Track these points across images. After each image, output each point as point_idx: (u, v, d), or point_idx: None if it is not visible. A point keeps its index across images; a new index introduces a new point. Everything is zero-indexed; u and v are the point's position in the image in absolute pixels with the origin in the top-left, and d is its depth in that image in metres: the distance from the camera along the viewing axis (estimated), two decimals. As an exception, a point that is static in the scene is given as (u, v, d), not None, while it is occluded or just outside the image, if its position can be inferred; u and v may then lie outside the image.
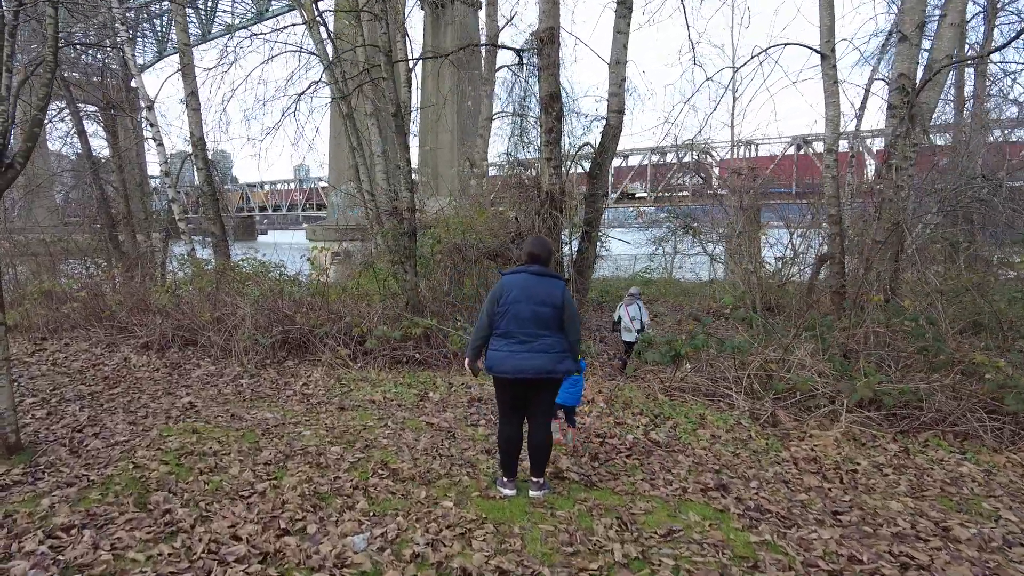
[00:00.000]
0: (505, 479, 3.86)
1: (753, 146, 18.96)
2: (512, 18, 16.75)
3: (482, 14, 27.99)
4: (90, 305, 9.69)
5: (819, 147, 18.45)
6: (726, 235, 11.55)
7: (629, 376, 7.57)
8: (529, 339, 3.60)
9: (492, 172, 21.91)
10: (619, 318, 8.08)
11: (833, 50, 7.50)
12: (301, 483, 3.70)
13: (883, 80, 13.35)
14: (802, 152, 19.17)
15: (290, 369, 7.21)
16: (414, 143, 15.66)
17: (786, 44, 7.12)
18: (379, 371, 7.19)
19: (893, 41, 9.52)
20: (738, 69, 7.14)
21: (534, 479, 3.80)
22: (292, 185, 43.58)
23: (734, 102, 21.95)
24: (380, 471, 3.96)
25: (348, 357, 7.29)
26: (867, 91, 12.02)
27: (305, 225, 44.11)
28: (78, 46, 13.94)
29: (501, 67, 17.45)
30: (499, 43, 11.79)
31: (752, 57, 6.97)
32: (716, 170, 20.80)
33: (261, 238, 49.82)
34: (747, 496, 3.80)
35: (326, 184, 36.86)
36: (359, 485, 3.71)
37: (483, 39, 20.08)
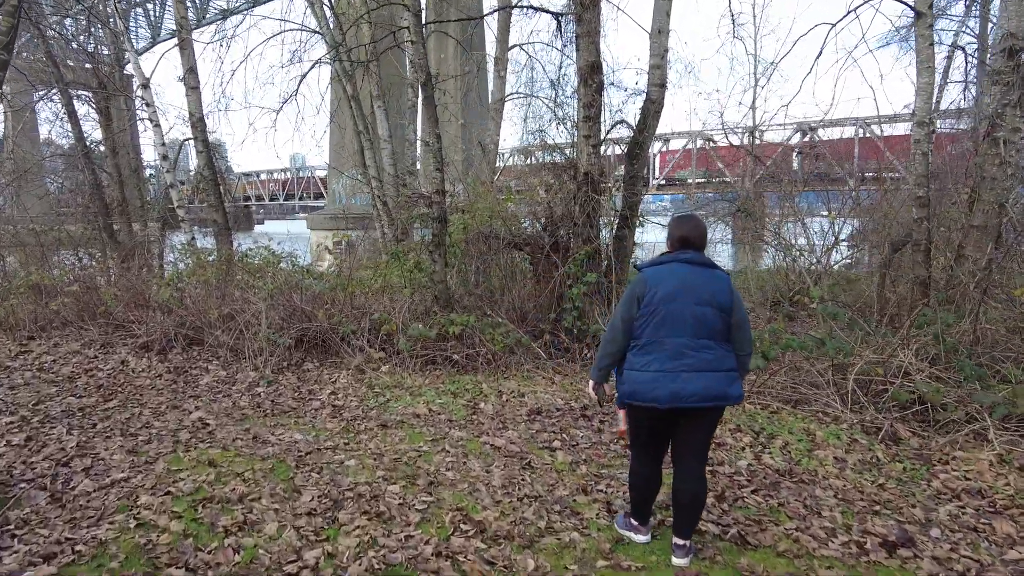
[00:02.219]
0: (635, 522, 3.01)
1: (810, 130, 18.04)
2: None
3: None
4: (83, 300, 8.74)
5: (876, 130, 17.53)
6: (777, 222, 10.61)
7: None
8: (691, 352, 2.64)
9: (508, 156, 20.98)
10: None
11: (931, 6, 6.55)
12: (364, 548, 2.78)
13: (960, 48, 12.38)
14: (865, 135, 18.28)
15: (312, 374, 6.29)
16: (410, 131, 14.72)
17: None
18: (412, 375, 6.27)
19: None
20: (835, 26, 6.18)
21: (679, 541, 2.87)
22: (288, 174, 42.57)
23: (756, 82, 20.93)
24: (462, 525, 3.03)
25: (381, 360, 6.36)
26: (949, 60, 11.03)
27: (302, 214, 43.14)
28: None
29: (514, 46, 16.46)
30: (537, 6, 10.77)
31: (848, 13, 6.01)
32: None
33: (258, 227, 48.75)
34: (942, 554, 2.91)
35: (324, 172, 35.82)
36: (441, 550, 2.79)
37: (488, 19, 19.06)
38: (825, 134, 20.41)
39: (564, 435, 4.55)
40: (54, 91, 13.53)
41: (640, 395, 2.68)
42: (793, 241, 10.66)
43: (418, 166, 15.81)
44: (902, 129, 18.42)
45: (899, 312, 7.44)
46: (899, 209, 9.91)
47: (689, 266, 2.74)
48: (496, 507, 3.27)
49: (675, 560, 2.85)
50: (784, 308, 6.90)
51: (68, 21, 16.73)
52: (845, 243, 10.79)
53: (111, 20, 12.76)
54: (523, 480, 3.66)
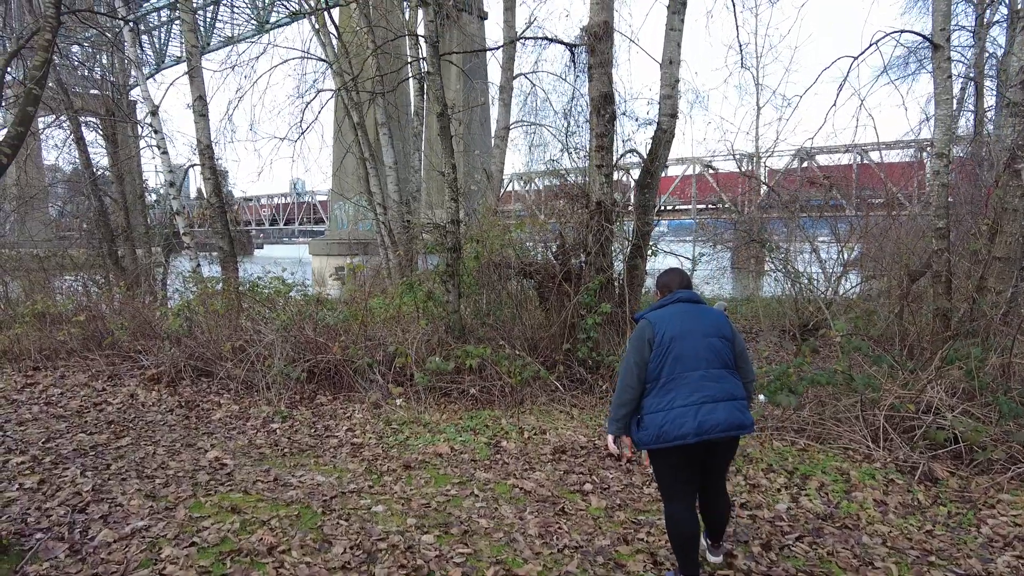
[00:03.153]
0: None
1: (808, 156, 18.13)
2: (531, 23, 15.82)
3: (488, 23, 27.16)
4: (88, 329, 8.61)
5: (875, 157, 17.59)
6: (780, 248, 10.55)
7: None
8: (710, 383, 2.70)
9: (509, 182, 21.04)
10: None
11: (948, 39, 6.56)
12: (405, 608, 2.64)
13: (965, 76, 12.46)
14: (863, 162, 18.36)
15: (326, 408, 6.15)
16: (415, 158, 14.76)
17: (901, 31, 6.18)
18: (429, 409, 6.13)
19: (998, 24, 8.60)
20: (857, 59, 6.18)
21: (713, 544, 3.22)
22: (288, 198, 42.66)
23: (758, 111, 21.13)
24: (504, 581, 2.90)
25: (399, 394, 6.23)
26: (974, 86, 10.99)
27: (302, 239, 43.13)
28: (77, 14, 12.90)
29: (519, 75, 16.59)
30: (550, 37, 10.83)
31: (870, 45, 6.01)
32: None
33: (258, 252, 48.71)
34: (1009, 613, 2.78)
35: (325, 198, 35.88)
36: (487, 610, 2.65)
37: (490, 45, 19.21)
38: (823, 161, 20.57)
39: (594, 477, 4.41)
40: (63, 118, 13.52)
41: (667, 435, 2.68)
42: (800, 268, 10.61)
43: (422, 192, 15.81)
44: (895, 156, 18.56)
45: (920, 344, 7.34)
46: (911, 237, 9.87)
47: (688, 304, 2.91)
48: (537, 559, 3.13)
49: (710, 558, 3.20)
50: (811, 342, 6.79)
51: (75, 48, 16.83)
52: (854, 272, 10.75)
53: (123, 47, 12.81)
54: (560, 528, 3.52)
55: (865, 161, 20.25)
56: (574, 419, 5.90)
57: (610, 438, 2.90)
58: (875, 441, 5.10)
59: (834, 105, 6.44)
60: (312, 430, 5.47)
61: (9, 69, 4.17)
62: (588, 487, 4.21)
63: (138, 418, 5.80)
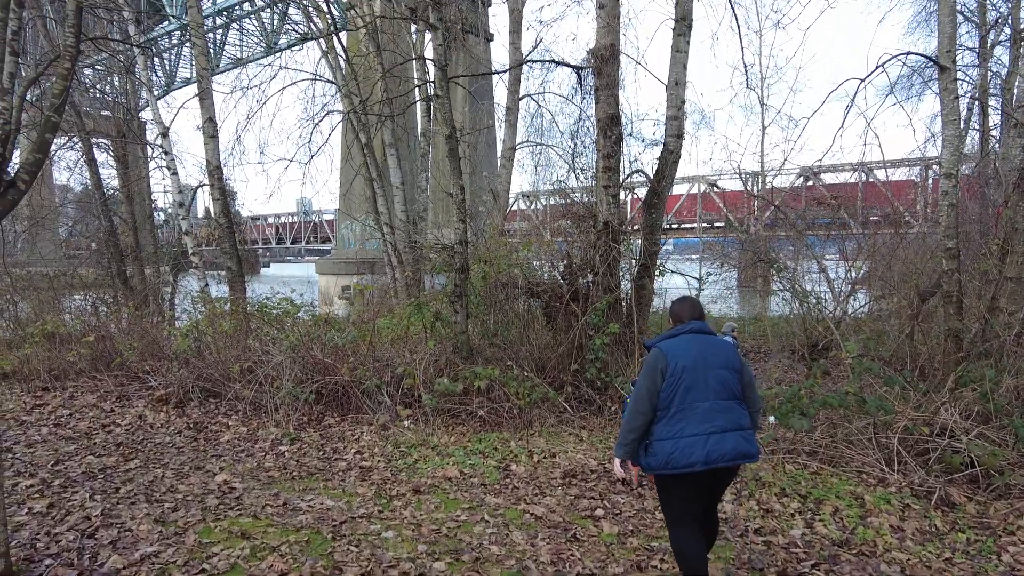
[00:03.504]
0: None
1: (814, 175, 18.19)
2: (537, 45, 16.01)
3: (494, 45, 27.44)
4: (97, 349, 8.64)
5: (881, 175, 17.63)
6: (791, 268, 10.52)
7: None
8: (719, 414, 2.80)
9: (514, 202, 21.12)
10: None
11: (954, 61, 6.60)
12: (419, 639, 2.61)
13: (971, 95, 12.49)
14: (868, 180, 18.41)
15: (334, 430, 6.13)
16: (422, 179, 14.86)
17: (907, 53, 6.21)
18: (437, 431, 6.09)
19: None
20: (864, 81, 6.22)
21: None
22: (295, 218, 42.92)
23: (763, 131, 21.22)
24: (518, 611, 2.86)
25: (408, 416, 6.21)
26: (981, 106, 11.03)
27: (308, 258, 43.30)
28: (94, 40, 13.10)
29: (524, 96, 16.74)
30: (557, 60, 10.94)
31: (877, 67, 6.05)
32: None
33: (264, 271, 48.92)
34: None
35: (332, 217, 36.08)
36: (502, 642, 2.62)
37: (496, 68, 19.41)
38: (828, 179, 20.60)
39: (605, 502, 4.37)
40: (75, 140, 13.68)
41: (675, 462, 2.76)
42: (808, 287, 10.56)
43: (428, 212, 15.89)
44: (901, 174, 18.59)
45: (932, 365, 7.28)
46: (919, 256, 9.83)
47: (700, 335, 2.97)
48: (550, 588, 3.09)
49: None
50: (822, 364, 6.74)
51: (88, 71, 17.09)
52: (863, 291, 10.70)
53: (135, 69, 13.01)
54: (572, 555, 3.48)
55: (871, 179, 20.29)
56: (583, 441, 5.86)
57: (617, 462, 2.97)
58: (889, 464, 5.04)
59: (842, 127, 6.47)
60: (321, 453, 5.44)
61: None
62: (600, 512, 4.17)
63: (147, 440, 5.80)
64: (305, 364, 6.84)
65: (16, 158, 3.50)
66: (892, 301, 9.33)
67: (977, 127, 14.82)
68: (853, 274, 10.38)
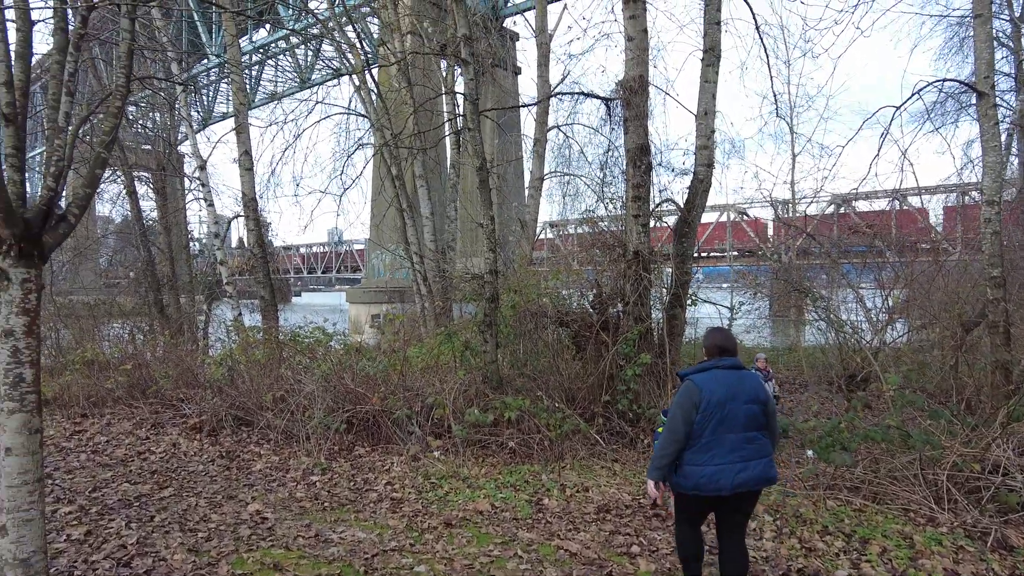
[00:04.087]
0: None
1: (845, 202, 17.94)
2: (565, 78, 16.21)
3: (522, 77, 27.83)
4: (134, 377, 8.81)
5: (915, 202, 17.32)
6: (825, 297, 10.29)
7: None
8: (745, 444, 3.08)
9: (541, 231, 21.19)
10: None
11: (993, 87, 6.48)
12: None
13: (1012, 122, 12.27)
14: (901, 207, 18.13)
15: (365, 460, 6.11)
16: (451, 209, 15.01)
17: (944, 80, 6.13)
18: (468, 463, 6.03)
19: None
20: (900, 109, 6.14)
21: None
22: (326, 247, 43.60)
23: (793, 159, 21.03)
24: (555, 652, 2.78)
25: (438, 447, 6.17)
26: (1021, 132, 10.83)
27: (339, 287, 43.84)
28: (141, 79, 13.62)
29: (552, 127, 16.91)
30: (586, 91, 11.05)
31: (913, 94, 5.97)
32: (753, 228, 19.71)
33: (296, 299, 49.62)
34: None
35: (363, 247, 36.59)
36: None
37: (524, 100, 19.63)
38: (861, 207, 20.28)
39: (641, 538, 4.25)
40: (118, 173, 14.17)
41: (704, 487, 3.05)
42: (843, 316, 10.31)
43: (456, 242, 16.01)
44: (936, 201, 18.19)
45: (979, 398, 7.02)
46: (960, 284, 9.54)
47: (731, 371, 3.18)
48: (587, 629, 3.00)
49: None
50: (862, 396, 6.54)
51: (131, 107, 17.77)
52: (900, 320, 10.40)
53: (176, 106, 13.49)
54: (609, 594, 3.38)
55: (905, 207, 19.92)
56: (616, 475, 5.74)
57: (651, 483, 3.24)
58: (938, 503, 4.84)
59: (877, 155, 6.36)
60: (351, 483, 5.42)
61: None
62: (635, 549, 4.05)
63: (180, 468, 5.85)
64: (336, 393, 6.86)
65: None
66: (933, 331, 9.06)
67: (1016, 153, 14.50)
68: (890, 303, 10.13)
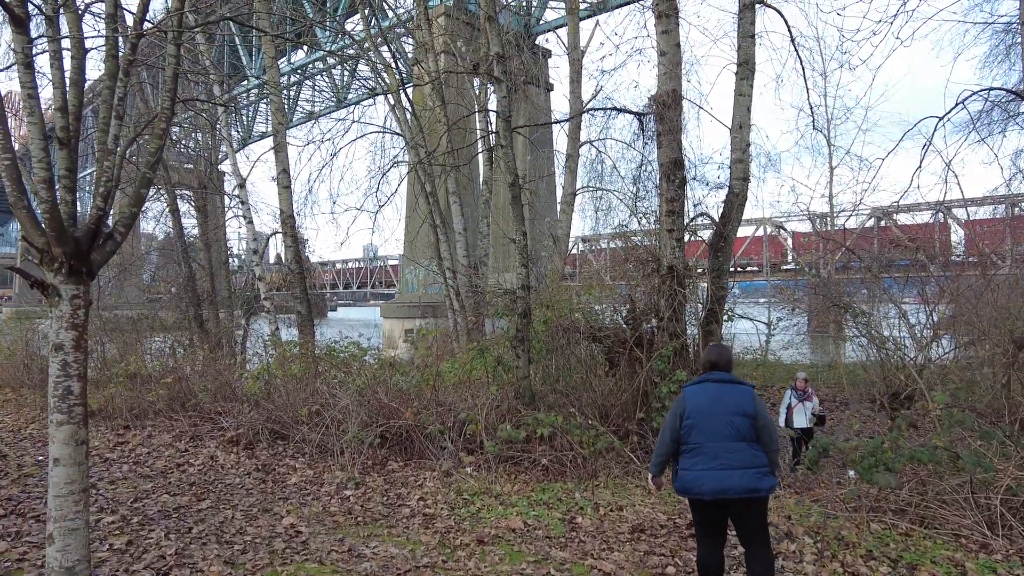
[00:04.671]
0: None
1: (886, 215, 17.53)
2: (597, 93, 16.22)
3: (554, 94, 27.96)
4: (174, 390, 9.02)
5: (960, 214, 16.81)
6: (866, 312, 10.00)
7: (799, 481, 6.24)
8: (727, 454, 3.28)
9: (573, 246, 21.13)
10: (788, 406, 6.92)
11: (1042, 96, 6.29)
12: None
13: None
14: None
15: (398, 475, 6.13)
16: (483, 225, 15.09)
17: (990, 89, 5.96)
18: (500, 479, 6.00)
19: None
20: (943, 119, 5.99)
21: None
22: (361, 263, 44.20)
23: (831, 172, 20.64)
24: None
25: (470, 463, 6.16)
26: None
27: (373, 302, 44.35)
28: (185, 101, 14.08)
29: (584, 143, 16.92)
30: (619, 107, 11.06)
31: (957, 104, 5.83)
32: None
33: (332, 314, 50.41)
34: None
35: (397, 263, 37.00)
36: None
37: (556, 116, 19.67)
38: (903, 220, 19.72)
39: (676, 559, 4.17)
40: (162, 192, 14.64)
41: (689, 489, 3.34)
42: (886, 332, 10.00)
43: (489, 257, 16.09)
44: (984, 212, 17.57)
45: (1033, 418, 6.72)
46: (1013, 300, 9.18)
47: (718, 384, 3.44)
48: (622, 652, 2.94)
49: None
50: (906, 414, 6.32)
51: (175, 128, 18.38)
52: (946, 336, 10.05)
53: (218, 126, 13.91)
54: (644, 616, 3.31)
55: (949, 219, 19.34)
56: (651, 494, 5.64)
57: (650, 476, 3.68)
58: (991, 528, 4.63)
59: (919, 167, 6.21)
60: (384, 498, 5.44)
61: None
62: (671, 571, 3.97)
63: (217, 480, 5.95)
64: (370, 408, 6.91)
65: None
66: (983, 348, 8.71)
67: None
68: (935, 318, 9.79)
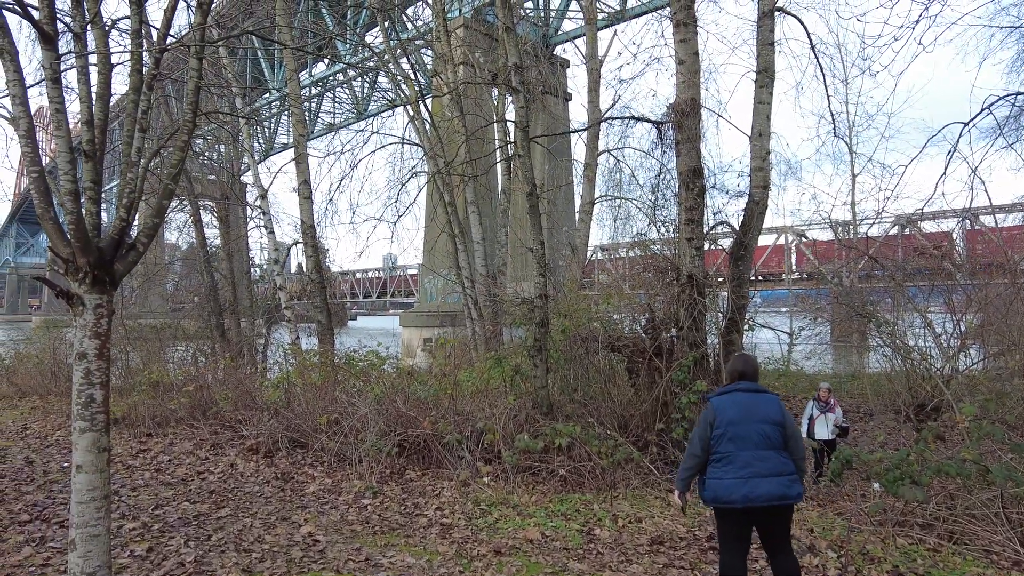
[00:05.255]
0: None
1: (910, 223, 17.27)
2: (615, 102, 16.23)
3: (572, 103, 28.03)
4: (195, 398, 9.13)
5: (988, 221, 16.48)
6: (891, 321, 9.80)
7: (822, 493, 6.13)
8: (757, 462, 3.32)
9: (592, 254, 21.07)
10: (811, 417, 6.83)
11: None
12: None
13: None
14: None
15: (415, 484, 6.13)
16: (501, 234, 15.12)
17: (1017, 94, 5.85)
18: (518, 490, 5.97)
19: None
20: (968, 125, 5.90)
21: None
22: (381, 273, 44.43)
23: (853, 180, 20.41)
24: None
25: (488, 473, 6.14)
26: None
27: (393, 311, 44.52)
28: (207, 114, 14.35)
29: (603, 152, 16.90)
30: (637, 115, 11.05)
31: (983, 109, 5.73)
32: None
33: (352, 324, 50.68)
34: None
35: (416, 272, 37.18)
36: None
37: (574, 125, 19.66)
38: (928, 227, 19.36)
39: (696, 572, 4.11)
40: (185, 202, 14.88)
41: (720, 498, 3.34)
42: (911, 342, 9.79)
43: (507, 267, 16.10)
44: (1012, 220, 17.17)
45: (1065, 432, 6.55)
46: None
47: (746, 393, 3.48)
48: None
49: None
50: (933, 426, 6.18)
51: (198, 140, 18.71)
52: (974, 346, 9.82)
53: (240, 138, 14.14)
54: (663, 630, 3.26)
55: (976, 227, 18.94)
56: (671, 506, 5.57)
57: (676, 492, 3.65)
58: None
59: (944, 174, 6.10)
60: (402, 507, 5.44)
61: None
62: (691, 583, 3.91)
63: (237, 488, 5.99)
64: (388, 416, 6.93)
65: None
66: (1013, 358, 8.51)
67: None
68: (963, 327, 9.57)
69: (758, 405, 3.43)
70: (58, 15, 3.25)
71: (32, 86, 3.69)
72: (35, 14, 3.03)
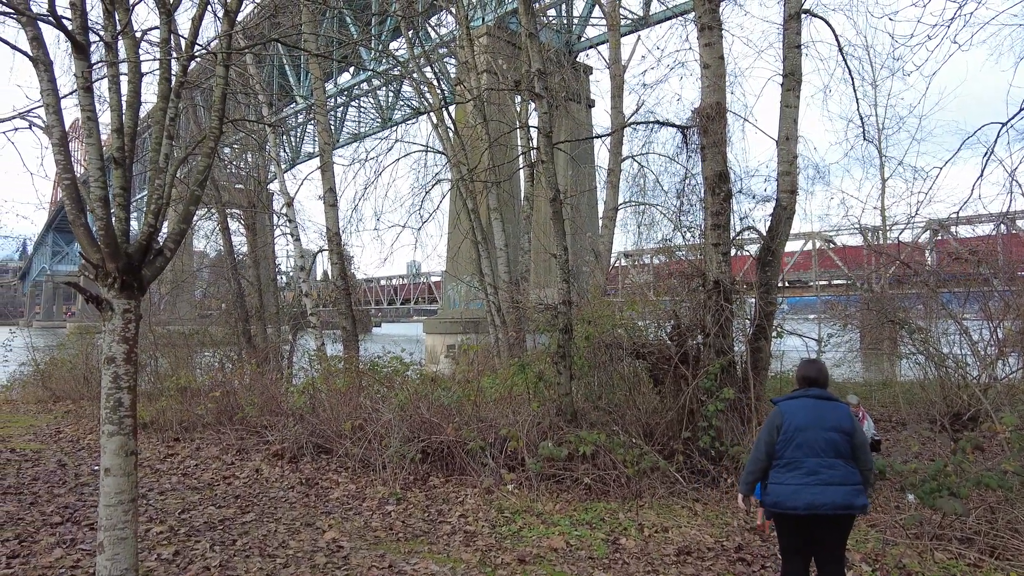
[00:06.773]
0: None
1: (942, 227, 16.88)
2: (639, 107, 16.11)
3: (596, 109, 27.96)
4: (222, 403, 9.23)
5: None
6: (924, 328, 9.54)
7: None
8: (824, 469, 3.29)
9: (615, 260, 20.95)
10: None
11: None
12: None
13: None
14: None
15: (439, 491, 6.10)
16: (524, 240, 15.10)
17: (1057, 94, 5.65)
18: (542, 497, 5.91)
19: None
20: (1006, 125, 5.73)
21: None
22: (404, 280, 44.69)
23: (883, 184, 20.02)
24: None
25: (511, 480, 6.09)
26: None
27: (416, 318, 44.76)
28: (234, 122, 14.58)
29: (626, 158, 16.80)
30: (661, 120, 10.97)
31: (1020, 110, 5.56)
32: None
33: (376, 330, 51.02)
34: None
35: (439, 279, 37.34)
36: None
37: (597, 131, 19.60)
38: (962, 232, 18.91)
39: (725, 583, 4.01)
40: (212, 210, 15.12)
41: (782, 504, 3.33)
42: (945, 349, 9.51)
43: (530, 273, 16.07)
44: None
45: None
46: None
47: (816, 400, 3.45)
48: None
49: None
50: (971, 436, 5.98)
51: (226, 149, 19.02)
52: (1013, 353, 9.51)
53: (266, 147, 14.35)
54: (692, 645, 3.18)
55: (1013, 231, 18.44)
56: (698, 516, 5.48)
57: (740, 496, 3.67)
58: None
59: (980, 177, 5.93)
60: (425, 514, 5.41)
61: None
62: (721, 597, 3.81)
63: (262, 493, 6.02)
64: (412, 423, 6.92)
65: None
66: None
67: None
68: (1000, 334, 9.28)
69: (827, 412, 3.39)
70: (90, 26, 3.31)
71: (66, 96, 3.77)
72: (68, 25, 3.09)
